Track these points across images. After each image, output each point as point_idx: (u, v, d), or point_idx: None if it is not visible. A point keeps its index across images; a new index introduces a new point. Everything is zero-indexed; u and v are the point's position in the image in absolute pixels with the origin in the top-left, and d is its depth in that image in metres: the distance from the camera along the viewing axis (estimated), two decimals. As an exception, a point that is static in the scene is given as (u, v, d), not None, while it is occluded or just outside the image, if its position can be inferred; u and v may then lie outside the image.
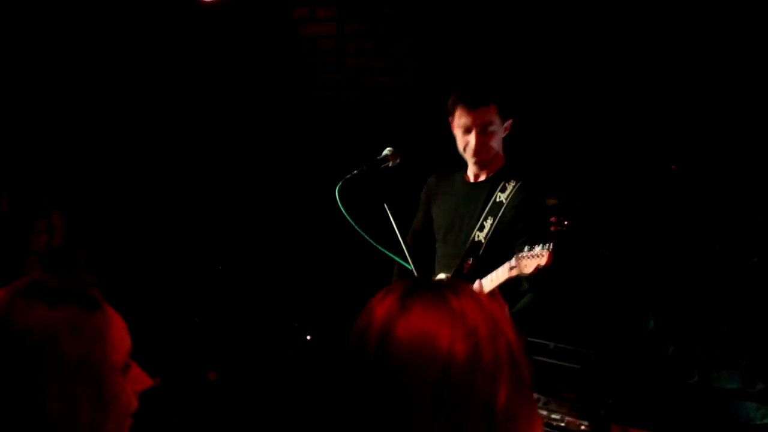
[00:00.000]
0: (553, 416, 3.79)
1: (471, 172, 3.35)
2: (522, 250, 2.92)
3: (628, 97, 4.13)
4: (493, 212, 3.22)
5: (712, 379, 3.93)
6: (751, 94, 3.86)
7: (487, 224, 3.22)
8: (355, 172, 3.20)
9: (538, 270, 2.84)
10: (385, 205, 3.13)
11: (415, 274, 3.12)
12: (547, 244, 2.83)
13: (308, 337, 4.83)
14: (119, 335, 1.36)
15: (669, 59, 4.01)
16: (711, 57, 3.92)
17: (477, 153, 3.20)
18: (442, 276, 3.26)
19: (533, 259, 2.86)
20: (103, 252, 4.93)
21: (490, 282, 3.04)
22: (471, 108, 3.16)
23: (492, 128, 3.19)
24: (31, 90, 5.03)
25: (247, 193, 5.27)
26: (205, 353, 4.90)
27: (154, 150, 5.34)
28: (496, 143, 3.25)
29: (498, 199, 3.23)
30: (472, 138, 3.19)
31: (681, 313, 4.00)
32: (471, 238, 3.23)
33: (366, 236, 3.26)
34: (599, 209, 4.03)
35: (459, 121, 3.21)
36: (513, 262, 2.94)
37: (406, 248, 3.26)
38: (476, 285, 3.06)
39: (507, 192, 3.23)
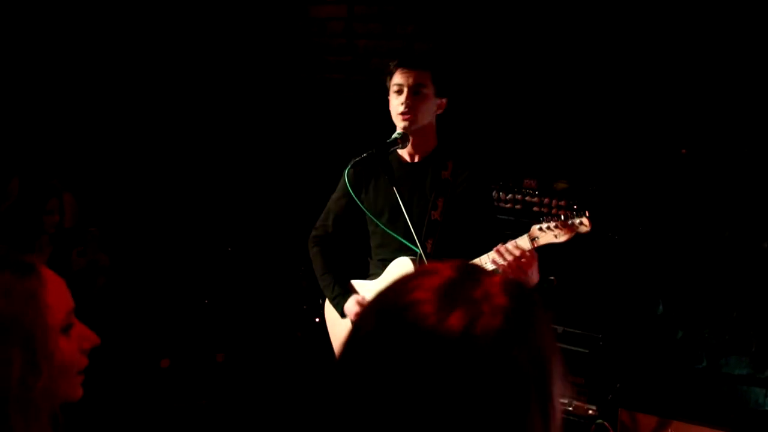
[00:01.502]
0: (561, 400, 3.80)
1: (403, 152, 3.32)
2: (546, 221, 2.88)
3: (639, 82, 4.10)
4: (442, 191, 3.24)
5: (720, 365, 3.92)
6: (762, 78, 3.83)
7: (440, 203, 3.23)
8: (365, 154, 3.19)
9: (574, 237, 2.84)
10: (395, 189, 3.12)
11: (424, 259, 3.11)
12: (583, 212, 2.82)
13: (317, 320, 4.84)
14: (56, 297, 1.41)
15: (680, 43, 3.98)
16: (722, 40, 3.89)
17: (406, 113, 3.16)
18: (406, 258, 3.22)
19: (569, 228, 2.83)
20: (114, 233, 4.94)
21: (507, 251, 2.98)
22: (407, 67, 3.19)
23: (425, 91, 3.18)
24: (43, 73, 5.03)
25: (257, 175, 5.27)
26: (213, 335, 4.91)
27: (165, 132, 5.34)
28: (427, 112, 3.22)
29: (443, 177, 3.25)
30: (403, 97, 3.17)
31: (690, 298, 3.99)
32: (427, 217, 3.21)
33: (374, 218, 3.26)
34: (609, 194, 4.01)
35: (394, 81, 3.22)
36: (536, 232, 2.90)
37: (330, 234, 3.39)
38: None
39: (450, 171, 3.26)
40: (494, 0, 4.48)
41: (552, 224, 2.86)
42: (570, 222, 2.83)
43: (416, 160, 3.31)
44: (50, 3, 5.05)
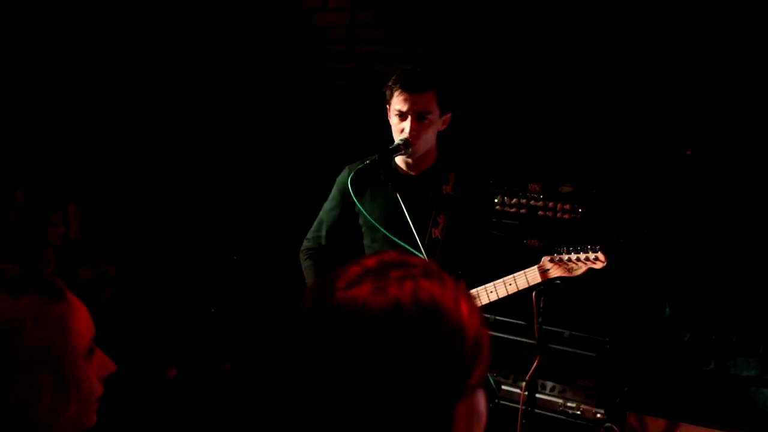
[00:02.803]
0: (569, 404, 3.79)
1: (402, 165, 3.24)
2: (558, 254, 2.88)
3: (642, 84, 4.09)
4: (443, 207, 3.14)
5: (728, 367, 3.91)
6: (767, 79, 3.82)
7: (441, 219, 3.13)
8: (368, 161, 3.16)
9: (589, 272, 2.85)
10: (398, 195, 3.10)
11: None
12: (594, 247, 2.83)
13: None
14: (82, 322, 1.40)
15: (684, 44, 3.97)
16: (727, 41, 3.88)
17: (411, 141, 3.07)
18: None
19: (584, 263, 2.84)
20: (120, 244, 4.95)
21: (510, 284, 2.97)
22: (409, 92, 3.05)
23: (429, 117, 3.07)
24: (46, 83, 5.05)
25: (261, 183, 5.28)
26: (220, 344, 4.91)
27: (170, 141, 5.35)
28: (431, 135, 3.13)
29: (445, 192, 3.15)
30: (407, 125, 3.06)
31: (697, 300, 3.98)
32: (427, 235, 3.14)
33: (378, 225, 3.25)
34: (614, 196, 4.00)
35: (395, 107, 3.09)
36: (547, 264, 2.90)
37: (322, 246, 3.33)
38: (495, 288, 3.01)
39: (451, 185, 3.16)
40: (495, 5, 4.47)
41: (565, 257, 2.85)
42: (584, 257, 2.83)
43: (417, 173, 3.25)
44: (51, 12, 5.06)
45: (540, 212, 4.00)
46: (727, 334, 3.90)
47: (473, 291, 3.02)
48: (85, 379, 1.39)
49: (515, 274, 2.95)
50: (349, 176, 3.21)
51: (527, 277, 2.92)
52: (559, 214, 3.93)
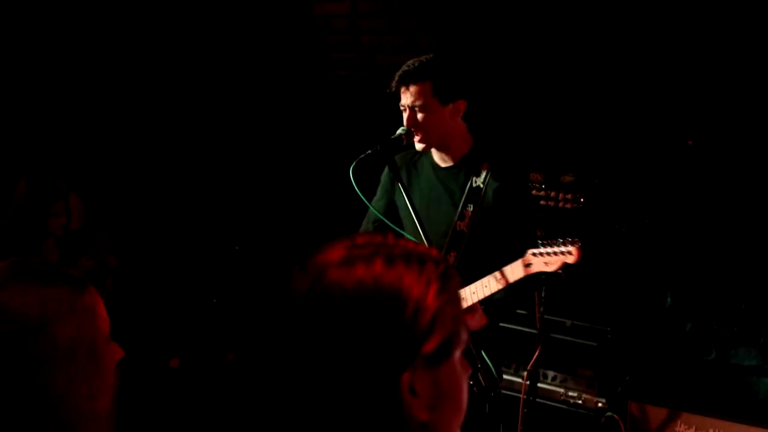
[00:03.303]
0: (571, 393, 3.80)
1: (436, 156, 3.23)
2: (539, 246, 2.86)
3: (644, 74, 4.09)
4: (472, 199, 3.11)
5: (729, 356, 3.91)
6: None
7: (468, 212, 3.11)
8: (369, 151, 3.15)
9: (564, 266, 2.81)
10: (400, 185, 3.10)
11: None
12: (573, 240, 2.79)
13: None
14: (104, 310, 1.42)
15: (686, 33, 3.96)
16: (728, 30, 3.87)
17: (415, 132, 3.08)
18: None
19: (558, 256, 2.82)
20: (121, 234, 4.95)
21: (499, 278, 2.95)
22: (405, 85, 3.07)
23: (426, 107, 3.05)
24: (48, 74, 5.04)
25: (262, 173, 5.28)
26: (223, 334, 4.92)
27: (170, 131, 5.35)
28: (434, 124, 3.09)
29: (475, 184, 3.12)
30: (407, 116, 3.09)
31: (698, 290, 3.98)
32: (452, 228, 3.12)
33: (380, 216, 3.25)
34: (616, 186, 4.00)
35: (400, 101, 3.12)
36: (530, 258, 2.89)
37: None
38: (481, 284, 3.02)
39: (483, 176, 3.11)
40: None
41: (544, 250, 2.83)
42: (559, 250, 2.80)
43: (449, 164, 3.21)
44: (55, 4, 5.05)
45: (542, 202, 4.00)
46: (729, 323, 3.91)
47: (471, 286, 3.02)
48: (113, 364, 1.42)
49: (503, 268, 2.94)
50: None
51: (513, 271, 2.91)
52: (561, 204, 3.93)
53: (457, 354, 1.14)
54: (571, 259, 2.78)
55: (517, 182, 3.16)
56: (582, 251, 2.76)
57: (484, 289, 2.98)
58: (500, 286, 2.95)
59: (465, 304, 2.99)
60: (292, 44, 5.23)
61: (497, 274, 2.94)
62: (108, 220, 4.90)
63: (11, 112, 4.88)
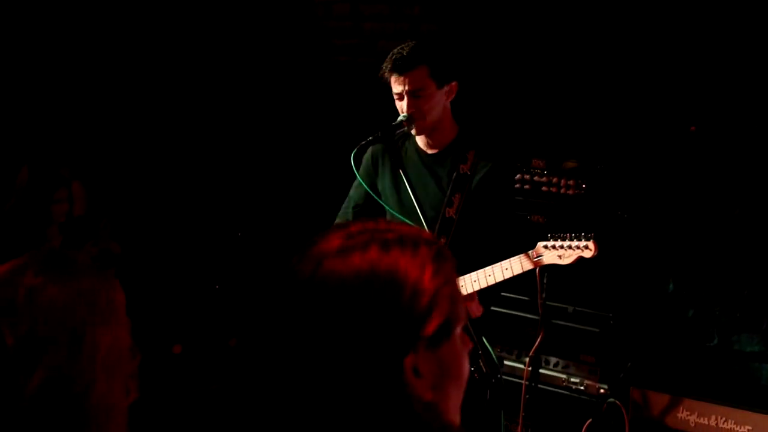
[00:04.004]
0: (573, 380, 3.80)
1: (421, 142, 3.24)
2: (548, 239, 2.86)
3: (647, 59, 4.07)
4: (459, 187, 3.12)
5: (732, 342, 3.91)
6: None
7: (456, 199, 3.12)
8: (371, 138, 3.15)
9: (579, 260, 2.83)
10: (401, 171, 3.10)
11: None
12: (587, 234, 2.80)
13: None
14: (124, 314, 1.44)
15: (689, 18, 3.95)
16: (731, 16, 3.85)
17: (414, 117, 3.08)
18: None
19: (574, 250, 2.82)
20: (124, 221, 4.95)
21: (506, 269, 2.97)
22: (399, 73, 3.06)
23: (424, 92, 3.06)
24: (50, 61, 5.04)
25: (265, 160, 5.27)
26: (226, 320, 4.93)
27: (173, 118, 5.34)
28: (433, 108, 3.10)
29: (462, 171, 3.13)
30: (404, 104, 3.08)
31: (701, 275, 3.97)
32: (441, 214, 3.13)
33: (381, 202, 3.25)
34: (618, 172, 3.99)
35: (393, 89, 3.11)
36: (541, 250, 2.89)
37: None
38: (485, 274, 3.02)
39: (469, 163, 3.13)
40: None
41: (557, 243, 2.84)
42: (575, 245, 2.81)
43: (435, 150, 3.22)
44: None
45: (544, 188, 3.99)
46: (731, 309, 3.90)
47: (473, 274, 3.01)
48: (135, 365, 1.47)
49: (511, 259, 2.94)
50: (351, 153, 3.19)
51: (521, 264, 2.91)
52: (563, 190, 3.92)
53: (458, 331, 1.16)
54: (588, 254, 2.80)
55: (502, 168, 3.20)
56: (598, 245, 2.77)
57: (488, 278, 2.99)
58: (506, 277, 2.95)
59: (464, 292, 2.99)
60: (294, 31, 5.21)
61: (504, 264, 2.94)
62: (111, 206, 4.90)
63: (14, 100, 4.87)
